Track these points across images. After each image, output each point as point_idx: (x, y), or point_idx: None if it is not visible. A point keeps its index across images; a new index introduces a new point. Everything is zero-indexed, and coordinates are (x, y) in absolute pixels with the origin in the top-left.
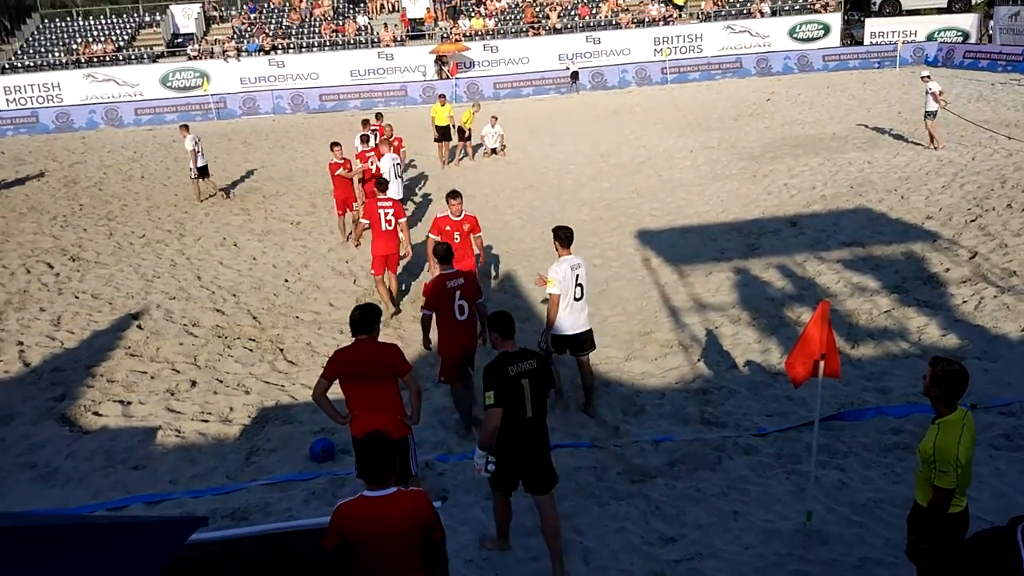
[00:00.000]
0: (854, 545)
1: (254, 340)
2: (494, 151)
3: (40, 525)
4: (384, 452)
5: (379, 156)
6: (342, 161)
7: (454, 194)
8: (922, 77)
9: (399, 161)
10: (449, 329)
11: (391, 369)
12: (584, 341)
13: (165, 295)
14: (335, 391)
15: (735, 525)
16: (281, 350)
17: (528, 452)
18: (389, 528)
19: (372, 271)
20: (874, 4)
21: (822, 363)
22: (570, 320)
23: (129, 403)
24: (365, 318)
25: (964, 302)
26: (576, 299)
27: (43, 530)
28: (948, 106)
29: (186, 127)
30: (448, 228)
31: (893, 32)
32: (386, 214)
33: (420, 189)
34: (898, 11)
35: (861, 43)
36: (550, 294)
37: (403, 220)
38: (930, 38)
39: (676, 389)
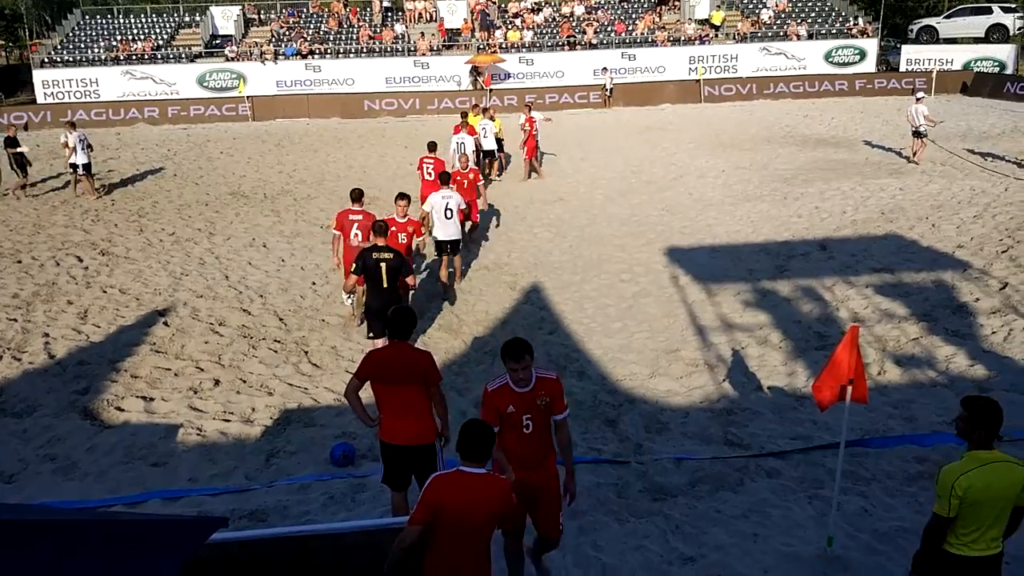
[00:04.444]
0: (875, 573)
1: (279, 342)
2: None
3: (61, 519)
4: (481, 433)
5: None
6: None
7: (516, 352)
8: (917, 98)
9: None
10: (348, 249)
11: (421, 375)
12: (456, 245)
13: (192, 293)
14: (368, 396)
15: (755, 548)
16: (306, 353)
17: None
18: (476, 506)
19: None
20: (911, 31)
21: (850, 388)
22: (445, 230)
23: (152, 399)
24: (401, 321)
25: (993, 332)
26: (447, 217)
27: (64, 524)
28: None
29: (72, 124)
30: (512, 410)
31: (929, 60)
32: (427, 168)
33: None
34: (935, 39)
35: (896, 69)
36: (424, 211)
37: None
38: (966, 67)
39: (700, 408)
